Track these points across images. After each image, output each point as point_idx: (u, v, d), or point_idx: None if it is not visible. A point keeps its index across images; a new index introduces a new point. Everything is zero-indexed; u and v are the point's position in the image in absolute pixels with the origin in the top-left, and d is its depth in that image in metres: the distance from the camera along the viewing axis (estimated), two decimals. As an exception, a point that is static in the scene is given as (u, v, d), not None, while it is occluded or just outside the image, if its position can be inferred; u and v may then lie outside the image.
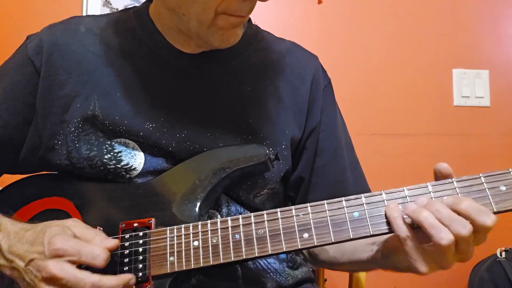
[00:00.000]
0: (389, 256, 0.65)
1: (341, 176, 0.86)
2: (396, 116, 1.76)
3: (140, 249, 0.68)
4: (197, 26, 0.71)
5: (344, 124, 0.92)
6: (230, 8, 0.69)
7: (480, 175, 0.61)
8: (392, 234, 0.62)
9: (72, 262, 0.61)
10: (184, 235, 0.67)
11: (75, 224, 0.66)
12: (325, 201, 0.64)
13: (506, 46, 1.84)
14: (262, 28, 0.90)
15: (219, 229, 0.66)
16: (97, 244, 0.64)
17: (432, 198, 0.61)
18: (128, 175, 0.77)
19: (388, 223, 0.61)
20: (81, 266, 0.62)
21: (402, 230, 0.59)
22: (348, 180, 0.86)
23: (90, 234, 0.65)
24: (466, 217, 0.56)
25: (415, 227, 0.59)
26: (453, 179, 0.62)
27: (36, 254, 0.62)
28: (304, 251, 0.91)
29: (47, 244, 0.62)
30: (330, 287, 1.59)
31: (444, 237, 0.55)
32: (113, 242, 0.65)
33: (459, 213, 0.57)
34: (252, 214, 0.66)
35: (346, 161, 0.87)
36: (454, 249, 0.57)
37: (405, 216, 0.60)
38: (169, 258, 0.66)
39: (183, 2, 0.70)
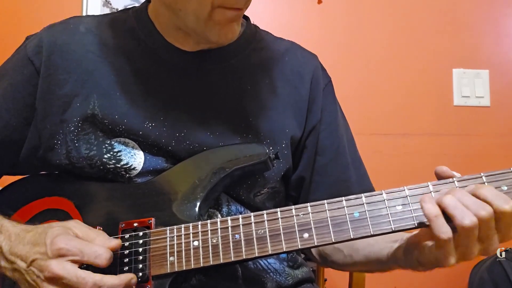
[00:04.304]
0: (413, 252, 0.64)
1: (343, 174, 0.86)
2: (396, 116, 1.76)
3: (140, 249, 0.68)
4: (194, 21, 0.71)
5: (346, 123, 0.92)
6: (226, 1, 0.69)
7: (482, 174, 0.61)
8: (415, 231, 0.62)
9: (74, 261, 0.61)
10: (184, 235, 0.67)
11: (76, 225, 0.66)
12: (325, 200, 0.64)
13: (506, 46, 1.84)
14: (262, 28, 0.90)
15: (219, 229, 0.66)
16: (100, 244, 0.64)
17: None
18: (127, 175, 0.76)
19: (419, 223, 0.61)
20: (83, 266, 0.62)
21: (444, 231, 0.57)
22: (351, 179, 0.86)
23: (92, 235, 0.65)
24: (485, 201, 0.56)
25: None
26: (454, 179, 0.62)
27: (38, 254, 0.62)
28: (313, 252, 0.90)
29: (49, 244, 0.62)
30: (330, 287, 1.59)
31: (467, 217, 0.55)
32: (115, 242, 0.65)
33: (479, 197, 0.57)
34: (252, 214, 0.66)
35: (349, 159, 0.87)
36: (477, 234, 0.56)
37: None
38: (169, 258, 0.66)
39: None
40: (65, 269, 0.60)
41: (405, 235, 0.67)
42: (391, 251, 0.69)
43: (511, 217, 0.56)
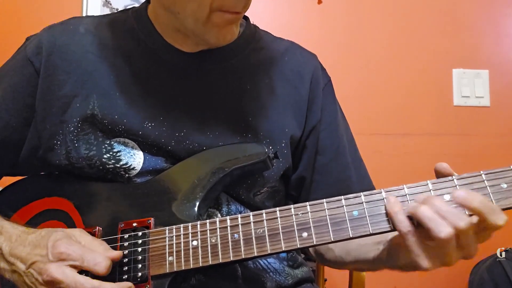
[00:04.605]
0: (394, 254, 0.64)
1: (344, 174, 0.86)
2: (396, 116, 1.76)
3: (139, 249, 0.68)
4: (193, 23, 0.71)
5: (346, 122, 0.92)
6: (224, 4, 0.69)
7: (481, 172, 0.61)
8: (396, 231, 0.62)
9: (74, 266, 0.62)
10: (183, 234, 0.67)
11: (81, 234, 0.67)
12: (324, 200, 0.64)
13: (506, 46, 1.84)
14: (262, 28, 0.90)
15: (218, 229, 0.66)
16: (101, 253, 0.64)
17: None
18: (127, 175, 0.76)
19: (389, 220, 0.60)
20: (82, 272, 0.62)
21: (403, 225, 0.58)
22: (352, 178, 0.86)
23: (95, 243, 0.66)
24: (477, 214, 0.56)
25: (417, 224, 0.58)
26: (454, 177, 0.61)
27: (38, 256, 0.63)
28: (311, 250, 0.90)
29: (51, 247, 0.62)
30: (330, 287, 1.59)
31: (443, 230, 0.55)
32: (116, 254, 0.65)
33: (471, 210, 0.56)
34: (251, 213, 0.66)
35: (349, 158, 0.87)
36: (455, 243, 0.56)
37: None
38: (168, 258, 0.66)
39: (178, 0, 0.70)
40: (64, 273, 0.60)
41: (389, 236, 0.67)
42: (376, 253, 0.69)
43: (499, 228, 0.56)
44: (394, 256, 0.64)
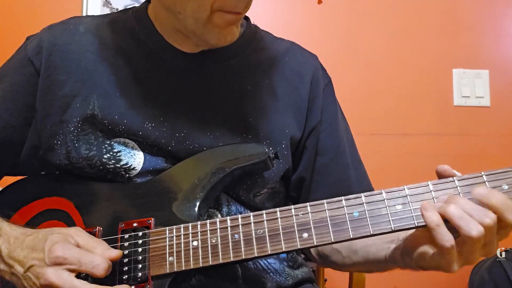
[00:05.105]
0: (411, 254, 0.63)
1: (343, 174, 0.86)
2: (396, 116, 1.76)
3: (140, 249, 0.68)
4: (194, 24, 0.71)
5: (346, 123, 0.92)
6: (225, 5, 0.69)
7: (482, 173, 0.61)
8: (412, 232, 0.62)
9: (71, 270, 0.61)
10: (184, 235, 0.67)
11: (78, 233, 0.66)
12: (324, 200, 0.64)
13: (506, 46, 1.84)
14: (262, 28, 0.90)
15: (218, 229, 0.66)
16: (99, 254, 0.63)
17: (432, 197, 0.61)
18: (127, 175, 0.76)
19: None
20: (81, 274, 0.62)
21: (447, 239, 0.56)
22: (351, 179, 0.86)
23: (92, 243, 0.65)
24: (495, 211, 0.56)
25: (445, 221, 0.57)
26: (455, 178, 0.61)
27: (36, 260, 0.62)
28: (313, 252, 0.90)
29: (47, 252, 0.62)
30: (330, 287, 1.59)
31: (474, 227, 0.54)
32: (115, 253, 0.65)
33: (489, 207, 0.56)
34: (251, 213, 0.66)
35: (349, 159, 0.87)
36: (483, 241, 0.56)
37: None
38: (169, 258, 0.66)
39: (178, 0, 0.70)
40: (61, 277, 0.60)
41: (401, 235, 0.66)
42: (388, 252, 0.69)
43: None
44: (411, 257, 0.63)
